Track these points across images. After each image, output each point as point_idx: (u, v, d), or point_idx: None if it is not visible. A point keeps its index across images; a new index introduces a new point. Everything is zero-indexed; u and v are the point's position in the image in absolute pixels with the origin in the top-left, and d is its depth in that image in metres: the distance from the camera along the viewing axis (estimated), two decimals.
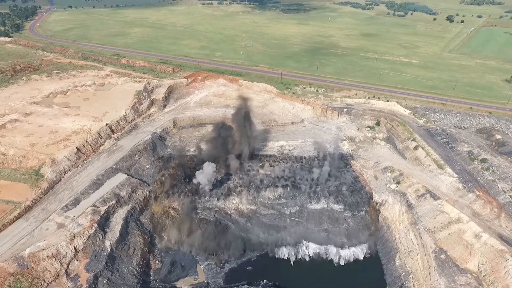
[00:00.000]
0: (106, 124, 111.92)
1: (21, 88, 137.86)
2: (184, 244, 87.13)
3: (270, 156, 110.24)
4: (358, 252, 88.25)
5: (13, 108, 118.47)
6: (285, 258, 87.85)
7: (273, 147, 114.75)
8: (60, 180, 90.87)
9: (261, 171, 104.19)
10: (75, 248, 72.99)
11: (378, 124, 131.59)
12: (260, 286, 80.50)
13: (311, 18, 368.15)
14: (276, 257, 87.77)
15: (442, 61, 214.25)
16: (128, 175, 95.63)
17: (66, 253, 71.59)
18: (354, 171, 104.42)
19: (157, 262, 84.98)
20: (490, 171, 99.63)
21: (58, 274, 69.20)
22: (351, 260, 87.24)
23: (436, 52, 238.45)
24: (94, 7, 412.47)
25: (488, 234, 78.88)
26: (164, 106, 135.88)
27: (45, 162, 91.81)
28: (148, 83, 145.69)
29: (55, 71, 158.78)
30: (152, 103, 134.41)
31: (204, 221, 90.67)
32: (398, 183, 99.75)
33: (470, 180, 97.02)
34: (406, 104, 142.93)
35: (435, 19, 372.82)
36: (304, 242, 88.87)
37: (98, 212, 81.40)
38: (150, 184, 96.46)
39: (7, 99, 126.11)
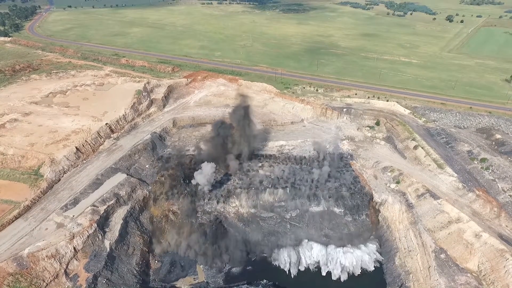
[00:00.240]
0: (106, 124, 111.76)
1: (21, 88, 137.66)
2: (183, 249, 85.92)
3: (270, 156, 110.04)
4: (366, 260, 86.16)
5: (12, 108, 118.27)
6: (286, 268, 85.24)
7: (272, 146, 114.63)
8: (59, 179, 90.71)
9: (260, 171, 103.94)
10: (74, 248, 72.85)
11: (377, 123, 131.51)
12: (260, 286, 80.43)
13: (311, 18, 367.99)
14: (276, 263, 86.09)
15: (442, 61, 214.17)
16: (127, 174, 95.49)
17: (65, 253, 71.45)
18: (353, 170, 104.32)
19: (156, 261, 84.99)
20: (490, 171, 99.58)
21: (57, 274, 69.09)
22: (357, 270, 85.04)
23: (436, 52, 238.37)
24: (93, 7, 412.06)
25: (488, 233, 78.83)
26: (164, 106, 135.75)
27: (44, 161, 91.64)
28: (148, 82, 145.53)
29: (54, 71, 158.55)
30: (151, 102, 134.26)
31: (204, 226, 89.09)
32: (398, 182, 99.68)
33: (470, 179, 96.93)
34: (406, 103, 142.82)
35: (434, 19, 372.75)
36: (307, 251, 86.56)
37: (97, 212, 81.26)
38: (150, 184, 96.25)
39: (6, 98, 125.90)
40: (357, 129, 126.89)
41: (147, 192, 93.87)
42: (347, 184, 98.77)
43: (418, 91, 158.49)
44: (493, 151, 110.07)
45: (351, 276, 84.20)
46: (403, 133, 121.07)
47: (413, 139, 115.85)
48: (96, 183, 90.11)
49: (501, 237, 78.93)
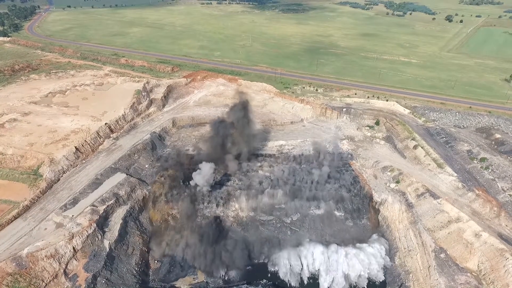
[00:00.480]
0: (105, 124, 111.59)
1: (20, 88, 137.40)
2: (182, 255, 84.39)
3: (270, 155, 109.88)
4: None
5: (11, 108, 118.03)
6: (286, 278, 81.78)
7: (272, 146, 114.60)
8: (58, 179, 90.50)
9: (260, 172, 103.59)
10: (73, 248, 72.66)
11: (377, 123, 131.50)
12: (260, 286, 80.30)
13: (310, 18, 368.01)
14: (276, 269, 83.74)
15: (441, 61, 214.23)
16: (127, 174, 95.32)
17: (65, 253, 71.26)
18: (353, 170, 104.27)
19: (156, 261, 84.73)
20: (490, 170, 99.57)
21: (57, 274, 68.90)
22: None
23: (435, 51, 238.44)
24: (93, 7, 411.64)
25: (487, 233, 78.79)
26: (163, 106, 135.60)
27: (43, 161, 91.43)
28: (147, 82, 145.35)
29: (54, 71, 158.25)
30: (151, 102, 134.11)
31: (203, 231, 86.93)
32: (397, 182, 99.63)
33: (469, 179, 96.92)
34: (406, 103, 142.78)
35: (434, 19, 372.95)
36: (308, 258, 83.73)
37: (97, 212, 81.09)
38: (149, 184, 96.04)
39: (5, 98, 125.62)
40: (357, 129, 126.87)
41: (147, 192, 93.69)
42: (347, 185, 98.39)
43: (418, 91, 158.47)
44: (493, 150, 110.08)
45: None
46: (403, 133, 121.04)
47: (413, 139, 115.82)
48: (96, 183, 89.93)
49: (501, 236, 78.88)
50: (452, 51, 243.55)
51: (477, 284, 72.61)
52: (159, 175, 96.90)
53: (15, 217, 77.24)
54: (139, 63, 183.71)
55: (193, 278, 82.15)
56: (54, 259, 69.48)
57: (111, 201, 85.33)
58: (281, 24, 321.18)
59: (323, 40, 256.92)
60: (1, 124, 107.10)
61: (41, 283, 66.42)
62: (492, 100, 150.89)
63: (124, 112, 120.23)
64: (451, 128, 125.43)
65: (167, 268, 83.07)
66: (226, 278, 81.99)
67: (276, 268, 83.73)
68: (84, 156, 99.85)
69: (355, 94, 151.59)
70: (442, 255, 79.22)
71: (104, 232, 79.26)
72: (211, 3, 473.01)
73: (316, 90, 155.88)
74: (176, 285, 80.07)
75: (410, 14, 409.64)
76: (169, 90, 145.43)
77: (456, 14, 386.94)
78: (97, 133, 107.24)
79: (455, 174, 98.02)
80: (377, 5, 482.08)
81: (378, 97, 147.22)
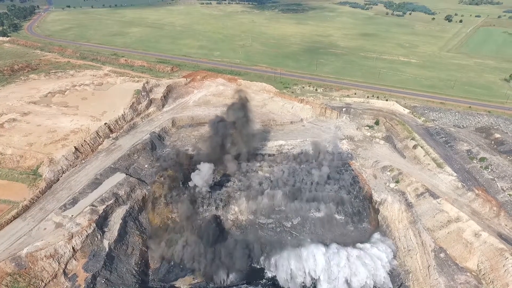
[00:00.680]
0: (105, 124, 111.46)
1: (19, 88, 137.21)
2: (182, 259, 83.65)
3: (269, 155, 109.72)
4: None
5: (11, 108, 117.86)
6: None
7: (272, 146, 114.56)
8: (58, 179, 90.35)
9: (260, 172, 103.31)
10: (73, 248, 72.56)
11: (377, 123, 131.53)
12: (260, 286, 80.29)
13: (310, 17, 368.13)
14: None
15: (441, 61, 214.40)
16: (126, 174, 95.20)
17: (64, 253, 71.16)
18: (353, 170, 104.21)
19: (156, 261, 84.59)
20: (489, 170, 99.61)
21: (56, 274, 68.81)
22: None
23: (435, 51, 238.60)
24: (92, 7, 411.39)
25: (487, 232, 78.78)
26: (163, 106, 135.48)
27: (43, 161, 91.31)
28: (147, 82, 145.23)
29: (53, 71, 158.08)
30: (150, 102, 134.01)
31: (202, 234, 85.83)
32: (397, 182, 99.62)
33: (469, 178, 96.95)
34: (405, 103, 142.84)
35: (433, 19, 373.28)
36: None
37: (96, 212, 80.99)
38: (149, 184, 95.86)
39: (5, 98, 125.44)
40: (357, 129, 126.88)
41: (146, 192, 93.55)
42: (346, 186, 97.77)
43: (417, 91, 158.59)
44: (492, 150, 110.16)
45: None
46: (403, 133, 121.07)
47: (413, 139, 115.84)
48: (95, 183, 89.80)
49: (500, 236, 78.90)
50: (452, 51, 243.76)
51: (476, 284, 72.64)
52: (159, 175, 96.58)
53: (15, 217, 77.09)
54: (138, 63, 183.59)
55: (193, 278, 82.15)
56: (53, 259, 69.37)
57: (111, 201, 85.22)
58: (280, 24, 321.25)
59: (323, 40, 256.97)
60: (1, 124, 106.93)
61: (40, 283, 66.33)
62: (492, 99, 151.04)
63: (124, 112, 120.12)
64: (451, 127, 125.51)
65: (166, 268, 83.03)
66: (225, 285, 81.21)
67: (274, 274, 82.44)
68: (83, 156, 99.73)
69: (355, 94, 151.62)
70: (442, 255, 79.22)
71: (103, 232, 79.17)
72: (210, 3, 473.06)
73: (316, 90, 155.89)
74: (175, 285, 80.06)
75: (410, 14, 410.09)
76: (169, 90, 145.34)
77: (456, 14, 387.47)
78: (97, 133, 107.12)
79: (455, 174, 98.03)
80: (376, 5, 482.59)
81: (377, 97, 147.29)
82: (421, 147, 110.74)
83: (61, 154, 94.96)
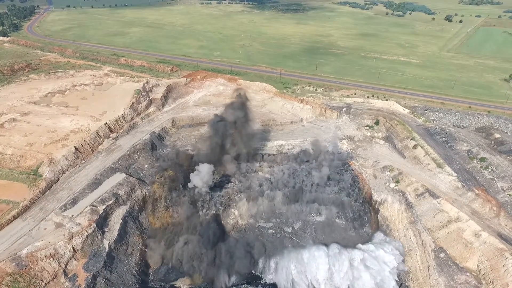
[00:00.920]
0: (105, 124, 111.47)
1: (19, 88, 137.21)
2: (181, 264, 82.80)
3: (269, 155, 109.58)
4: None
5: (11, 108, 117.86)
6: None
7: (272, 146, 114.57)
8: (58, 179, 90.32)
9: (260, 173, 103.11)
10: (73, 248, 72.55)
11: (377, 123, 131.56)
12: (260, 286, 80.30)
13: (310, 17, 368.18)
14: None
15: (441, 61, 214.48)
16: (126, 174, 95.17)
17: (64, 253, 71.17)
18: (353, 170, 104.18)
19: (155, 262, 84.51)
20: (489, 170, 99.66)
21: (56, 274, 68.80)
22: None
23: (435, 51, 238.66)
24: (92, 7, 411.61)
25: (487, 232, 78.83)
26: (163, 106, 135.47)
27: (43, 161, 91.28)
28: (147, 82, 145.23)
29: (53, 71, 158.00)
30: (150, 102, 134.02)
31: (202, 237, 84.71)
32: (397, 182, 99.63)
33: (469, 179, 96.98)
34: (405, 103, 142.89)
35: (433, 18, 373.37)
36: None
37: (96, 212, 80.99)
38: (149, 184, 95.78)
39: (5, 98, 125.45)
40: (357, 129, 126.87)
41: (146, 192, 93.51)
42: (346, 186, 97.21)
43: (417, 91, 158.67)
44: (492, 150, 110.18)
45: None
46: (403, 133, 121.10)
47: (413, 139, 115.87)
48: (95, 183, 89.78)
49: (500, 236, 78.94)
50: (452, 51, 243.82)
51: (476, 284, 72.70)
52: (159, 176, 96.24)
53: (15, 217, 77.06)
54: (138, 63, 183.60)
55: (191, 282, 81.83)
56: (53, 259, 69.37)
57: (111, 201, 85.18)
58: (280, 24, 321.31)
59: (323, 40, 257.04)
60: (1, 124, 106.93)
61: (40, 283, 66.31)
62: (492, 99, 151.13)
63: (124, 112, 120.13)
64: (451, 127, 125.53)
65: (166, 268, 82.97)
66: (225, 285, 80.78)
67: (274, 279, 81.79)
68: (83, 156, 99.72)
69: (355, 94, 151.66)
70: (442, 255, 79.26)
71: (103, 232, 79.13)
72: (210, 3, 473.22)
73: (316, 90, 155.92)
74: (175, 285, 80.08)
75: (410, 14, 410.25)
76: (169, 90, 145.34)
77: (456, 14, 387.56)
78: (97, 133, 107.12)
79: (455, 174, 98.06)
80: (376, 5, 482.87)
81: (377, 97, 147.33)
82: (421, 147, 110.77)
83: (61, 154, 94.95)
